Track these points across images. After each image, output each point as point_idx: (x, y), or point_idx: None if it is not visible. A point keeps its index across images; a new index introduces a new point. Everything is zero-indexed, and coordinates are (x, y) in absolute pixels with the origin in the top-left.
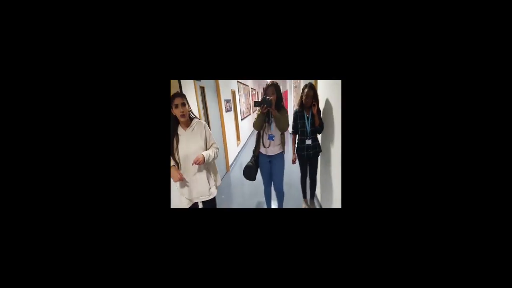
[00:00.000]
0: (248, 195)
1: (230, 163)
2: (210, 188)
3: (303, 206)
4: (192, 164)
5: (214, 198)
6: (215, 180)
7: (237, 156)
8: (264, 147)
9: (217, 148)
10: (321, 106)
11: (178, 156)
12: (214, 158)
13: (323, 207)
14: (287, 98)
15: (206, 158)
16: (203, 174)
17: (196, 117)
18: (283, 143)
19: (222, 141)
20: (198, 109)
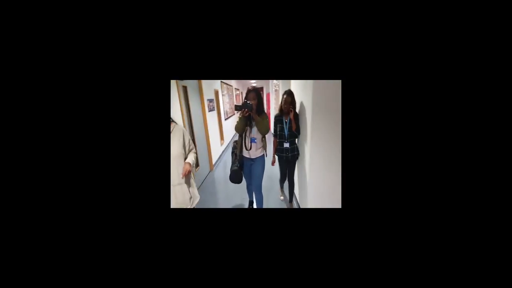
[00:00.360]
0: (232, 192)
1: (213, 162)
2: (190, 197)
3: (280, 197)
4: (182, 177)
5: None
6: (194, 187)
7: (220, 156)
8: (246, 149)
9: (195, 152)
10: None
11: None
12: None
13: (300, 205)
14: (269, 100)
15: (192, 165)
16: (183, 184)
17: (173, 121)
18: (264, 147)
19: (205, 140)
20: (181, 109)
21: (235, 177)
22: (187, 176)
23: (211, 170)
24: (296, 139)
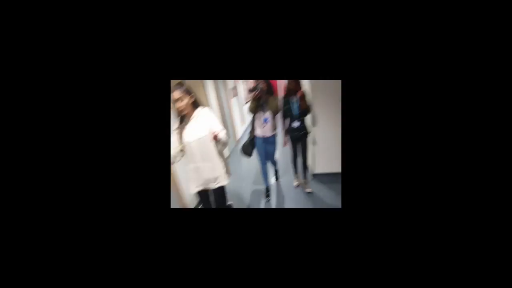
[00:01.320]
0: (253, 160)
1: (238, 137)
2: (217, 177)
3: (295, 182)
4: (213, 139)
5: (223, 187)
6: (224, 168)
7: (242, 134)
8: (262, 128)
9: (226, 134)
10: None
11: (183, 144)
12: (224, 142)
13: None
14: (276, 86)
15: (221, 137)
16: (209, 162)
17: (201, 105)
18: (275, 126)
19: (230, 121)
20: (217, 97)
21: (246, 150)
22: (215, 157)
23: (236, 143)
24: (305, 118)
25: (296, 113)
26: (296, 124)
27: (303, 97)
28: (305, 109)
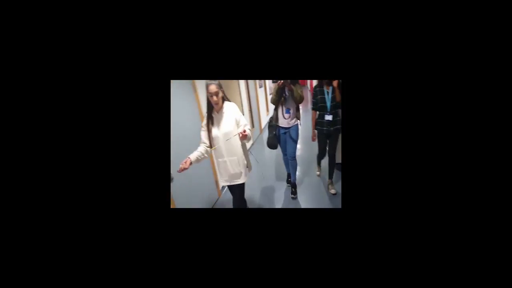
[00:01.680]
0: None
1: (262, 127)
2: (242, 173)
3: (317, 172)
4: (240, 138)
5: (243, 184)
6: (247, 166)
7: (266, 123)
8: (284, 118)
9: (250, 129)
10: None
11: (211, 137)
12: (249, 137)
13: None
14: None
15: (248, 134)
16: (234, 157)
17: (227, 100)
18: (298, 117)
19: (257, 111)
20: (246, 87)
21: (271, 143)
22: (240, 154)
23: (260, 133)
24: (340, 110)
25: (329, 104)
26: (328, 117)
27: (339, 87)
28: (339, 102)
